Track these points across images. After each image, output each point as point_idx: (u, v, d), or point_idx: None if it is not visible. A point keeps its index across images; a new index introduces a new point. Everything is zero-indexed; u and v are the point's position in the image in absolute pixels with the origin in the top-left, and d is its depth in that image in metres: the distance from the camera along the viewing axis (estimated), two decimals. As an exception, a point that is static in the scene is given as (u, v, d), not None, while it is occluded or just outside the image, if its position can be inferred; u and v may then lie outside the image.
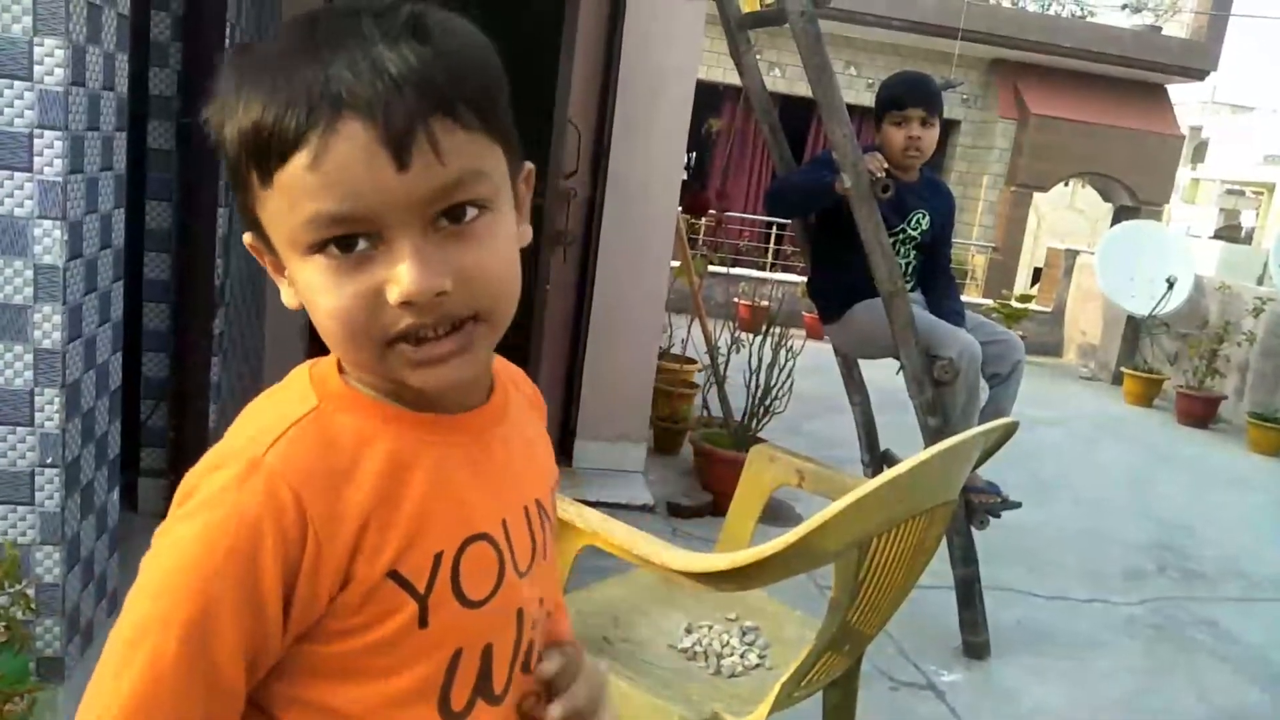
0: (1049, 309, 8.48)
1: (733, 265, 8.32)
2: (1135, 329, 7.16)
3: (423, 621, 0.64)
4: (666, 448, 4.12)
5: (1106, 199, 12.90)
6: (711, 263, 4.95)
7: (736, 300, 7.33)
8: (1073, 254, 8.49)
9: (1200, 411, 6.15)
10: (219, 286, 2.67)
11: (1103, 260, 7.16)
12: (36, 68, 1.56)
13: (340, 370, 0.67)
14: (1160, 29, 12.12)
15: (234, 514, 0.59)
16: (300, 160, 0.57)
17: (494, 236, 0.62)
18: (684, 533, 3.32)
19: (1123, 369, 6.94)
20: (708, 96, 11.13)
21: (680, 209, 4.08)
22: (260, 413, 0.65)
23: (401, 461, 0.64)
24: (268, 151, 0.58)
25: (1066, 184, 13.22)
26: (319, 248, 0.59)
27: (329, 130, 0.56)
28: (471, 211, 0.61)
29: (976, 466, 1.60)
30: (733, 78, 11.11)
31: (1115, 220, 11.67)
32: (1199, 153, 26.25)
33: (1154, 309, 6.66)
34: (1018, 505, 2.79)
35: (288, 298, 0.66)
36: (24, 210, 1.58)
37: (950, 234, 2.95)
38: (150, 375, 2.66)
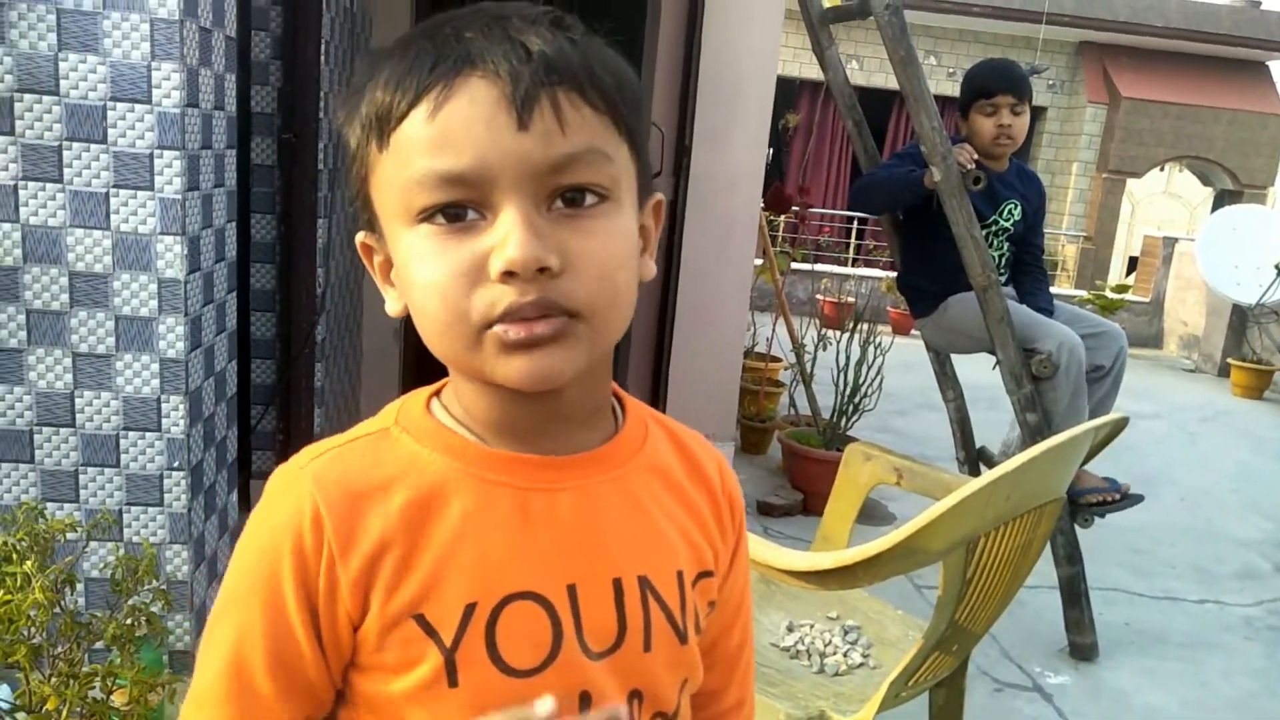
0: (1146, 299, 8.17)
1: (814, 261, 8.25)
2: (1242, 318, 6.84)
3: (452, 680, 0.58)
4: (754, 447, 4.11)
5: (1205, 183, 12.36)
6: (793, 259, 4.91)
7: (819, 297, 7.26)
8: (1171, 241, 8.15)
9: (1315, 403, 5.85)
10: (320, 295, 2.77)
11: (1205, 247, 6.86)
12: (155, 91, 1.65)
13: (428, 405, 0.65)
14: (1259, 3, 11.55)
15: (265, 521, 0.60)
16: (419, 114, 0.55)
17: (610, 231, 0.57)
18: (774, 531, 3.30)
19: (1229, 360, 6.64)
20: (784, 92, 11.06)
21: (762, 206, 4.07)
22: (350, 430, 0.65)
23: (440, 493, 0.60)
24: (389, 112, 0.56)
25: (1162, 169, 12.70)
26: (426, 216, 0.56)
27: (450, 85, 0.54)
28: (590, 198, 0.57)
29: (1084, 463, 1.56)
30: (809, 72, 11.00)
31: (1216, 205, 11.17)
32: (1305, 131, 24.88)
33: (1262, 297, 6.35)
34: (1140, 499, 2.69)
35: (391, 303, 0.63)
36: (147, 227, 1.67)
37: (1042, 223, 2.88)
38: (258, 381, 2.78)
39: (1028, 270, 2.81)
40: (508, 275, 0.54)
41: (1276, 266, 6.33)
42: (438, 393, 0.66)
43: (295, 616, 0.58)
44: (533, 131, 0.54)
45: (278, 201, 2.74)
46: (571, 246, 0.56)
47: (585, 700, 0.61)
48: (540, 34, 0.55)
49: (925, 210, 2.63)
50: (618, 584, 0.63)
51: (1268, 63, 11.72)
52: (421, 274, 0.57)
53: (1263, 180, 11.69)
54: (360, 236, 0.64)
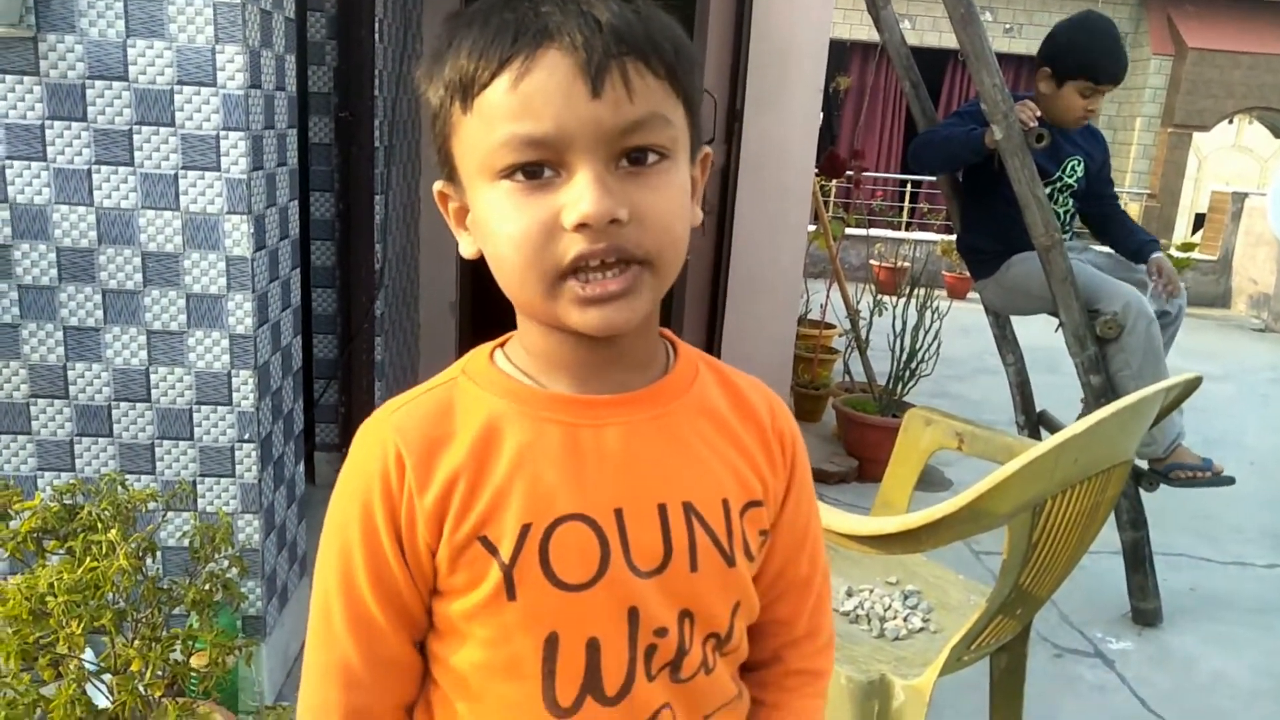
0: (1214, 258, 7.92)
1: (868, 226, 8.14)
2: (1315, 275, 6.60)
3: (510, 594, 0.65)
4: (808, 414, 4.09)
5: (1277, 135, 11.87)
6: (847, 224, 4.85)
7: (873, 262, 7.17)
8: (1240, 197, 7.87)
9: (1394, 362, 5.64)
10: (379, 270, 2.81)
11: (1276, 201, 6.62)
12: (219, 74, 1.68)
13: (492, 355, 0.72)
14: (1338, -57, 10.99)
15: (356, 467, 0.69)
16: (502, 83, 0.60)
17: (670, 186, 0.64)
18: (830, 498, 3.30)
19: (1301, 319, 6.42)
20: (836, 54, 10.84)
21: (816, 171, 4.02)
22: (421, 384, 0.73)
23: (498, 430, 0.67)
24: (473, 79, 0.61)
25: (1230, 121, 12.22)
26: (507, 173, 0.62)
27: (531, 57, 0.60)
28: (653, 157, 0.63)
29: (1154, 424, 1.53)
30: (860, 34, 10.78)
31: (1288, 158, 10.74)
32: (1385, 77, 23.71)
33: (1337, 252, 6.12)
34: (1231, 480, 2.62)
35: (466, 246, 0.69)
36: (215, 207, 1.72)
37: (1109, 175, 2.82)
38: (320, 356, 2.84)
39: (1113, 218, 2.77)
40: (581, 227, 0.60)
41: (1354, 221, 6.08)
42: (501, 345, 0.73)
43: (388, 545, 0.67)
44: (604, 99, 0.60)
45: (336, 179, 2.79)
46: (637, 200, 0.62)
47: (634, 616, 0.67)
48: (609, 6, 0.61)
49: (986, 169, 2.58)
50: (662, 509, 0.69)
51: (1345, 7, 11.17)
52: (503, 227, 0.63)
53: (1339, 131, 11.19)
54: (438, 185, 0.70)
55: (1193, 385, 1.46)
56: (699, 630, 0.70)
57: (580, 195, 0.60)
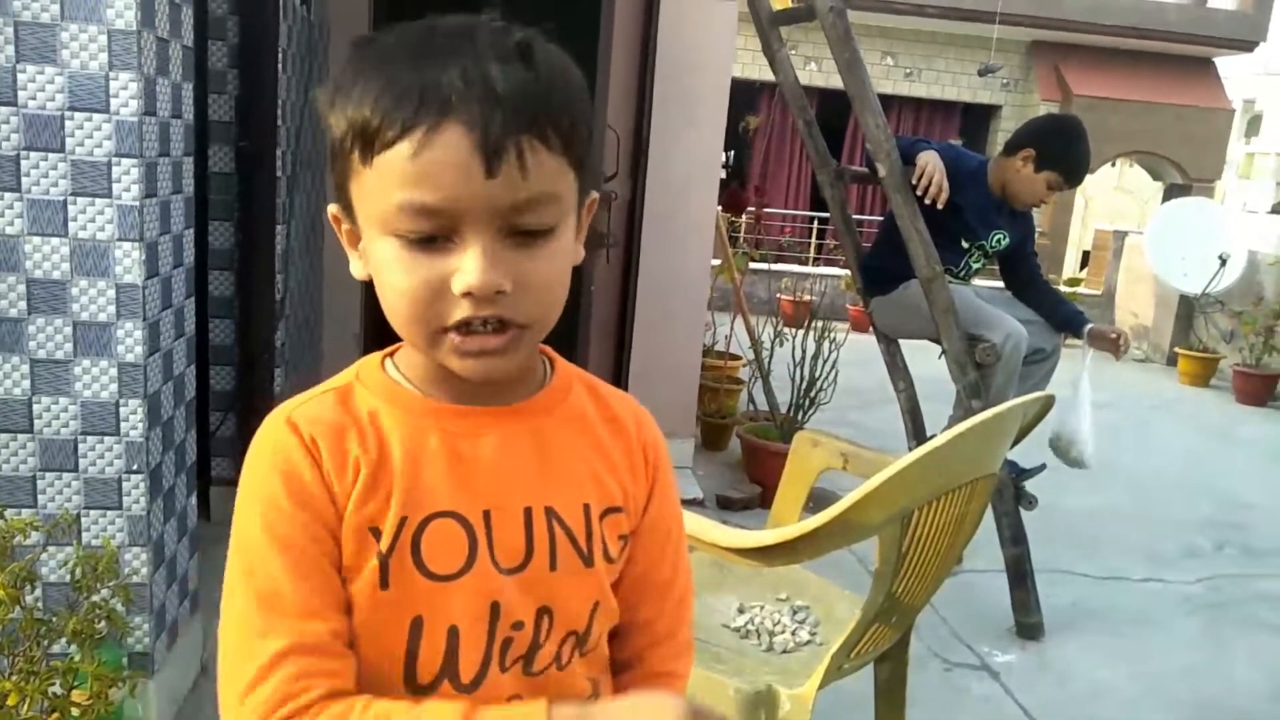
0: (1099, 292, 8.37)
1: (776, 261, 8.35)
2: (1189, 309, 7.04)
3: (384, 583, 0.70)
4: (714, 443, 4.17)
5: (1156, 178, 12.66)
6: (753, 259, 4.99)
7: (779, 296, 7.35)
8: (1121, 235, 8.35)
9: (1258, 389, 6.04)
10: (280, 300, 2.79)
11: (1152, 240, 7.05)
12: (113, 100, 1.68)
13: (383, 363, 0.77)
14: (1205, 1, 11.86)
15: (270, 440, 0.71)
16: (403, 150, 0.64)
17: (554, 256, 0.69)
18: (734, 524, 3.32)
19: (1177, 349, 6.83)
20: (744, 94, 11.16)
21: (719, 207, 4.14)
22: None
23: (387, 434, 0.72)
24: (375, 136, 0.65)
25: (1113, 164, 13.00)
26: (401, 236, 0.66)
27: (432, 130, 0.63)
28: (541, 233, 0.68)
29: (1016, 442, 1.64)
30: (768, 74, 11.05)
31: (1166, 199, 11.45)
32: (1253, 126, 25.52)
33: (1207, 287, 6.54)
34: (1041, 468, 2.90)
35: (357, 269, 0.74)
36: (105, 234, 1.70)
37: (1032, 249, 3.10)
38: (218, 388, 2.79)
39: (1041, 290, 3.02)
40: (467, 295, 0.66)
41: (1220, 257, 6.52)
42: (391, 354, 0.78)
43: (315, 487, 0.69)
44: (499, 179, 0.64)
45: (236, 208, 2.77)
46: (524, 270, 0.67)
47: (495, 609, 0.72)
48: (507, 70, 0.64)
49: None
50: (527, 512, 0.74)
51: (1214, 59, 12.04)
52: (393, 280, 0.68)
53: (1210, 174, 12.01)
54: (332, 209, 0.74)
55: (1048, 404, 1.57)
56: (558, 627, 0.75)
57: (469, 267, 0.65)
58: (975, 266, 2.94)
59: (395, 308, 0.69)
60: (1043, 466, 2.93)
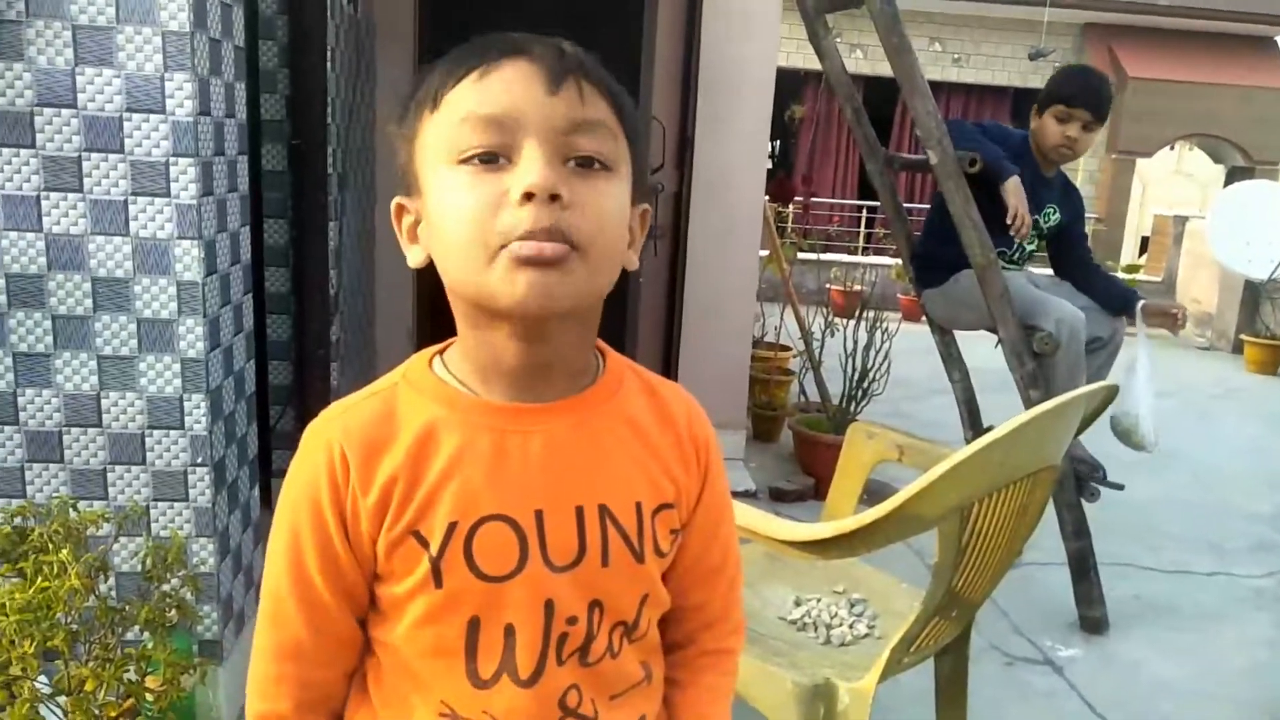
0: (1159, 279, 8.16)
1: (824, 251, 8.27)
2: (1254, 294, 6.83)
3: (438, 582, 0.72)
4: (765, 435, 4.15)
5: (1217, 161, 12.28)
6: (801, 249, 4.95)
7: (829, 286, 7.28)
8: (1182, 220, 8.13)
9: (1329, 377, 5.84)
10: (334, 296, 2.83)
11: (1216, 225, 6.84)
12: (168, 101, 1.71)
13: (430, 362, 0.78)
14: (1267, -23, 11.46)
15: (305, 462, 0.75)
16: (469, 79, 0.68)
17: (609, 194, 0.70)
18: (786, 517, 3.32)
19: (1243, 337, 6.63)
20: (789, 83, 11.06)
21: (766, 197, 4.10)
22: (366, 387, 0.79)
23: (435, 436, 0.73)
24: (445, 83, 0.69)
25: (1172, 148, 12.63)
26: (465, 158, 0.68)
27: (498, 60, 0.68)
28: (597, 165, 0.70)
29: (1080, 432, 1.60)
30: (814, 63, 10.98)
31: (1228, 182, 11.10)
32: (1319, 105, 24.59)
33: (1273, 272, 6.33)
34: (1120, 487, 2.81)
35: (413, 257, 0.75)
36: (165, 233, 1.73)
37: (1083, 229, 3.02)
38: (276, 382, 2.84)
39: (1093, 272, 2.92)
40: (527, 198, 0.66)
41: (1287, 241, 6.31)
42: (440, 352, 0.79)
43: (335, 534, 0.73)
44: (560, 97, 0.68)
45: (289, 206, 2.81)
46: (579, 191, 0.68)
47: (549, 607, 0.74)
48: (567, 44, 0.71)
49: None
50: (579, 510, 0.75)
51: (1275, 37, 11.63)
52: (455, 200, 0.68)
53: (1274, 155, 11.61)
54: (396, 199, 0.76)
55: (1112, 393, 1.53)
56: (607, 619, 0.77)
57: (528, 170, 0.66)
58: (1029, 249, 2.85)
59: (453, 232, 0.68)
60: (1121, 487, 2.84)
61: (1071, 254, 2.95)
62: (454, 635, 0.73)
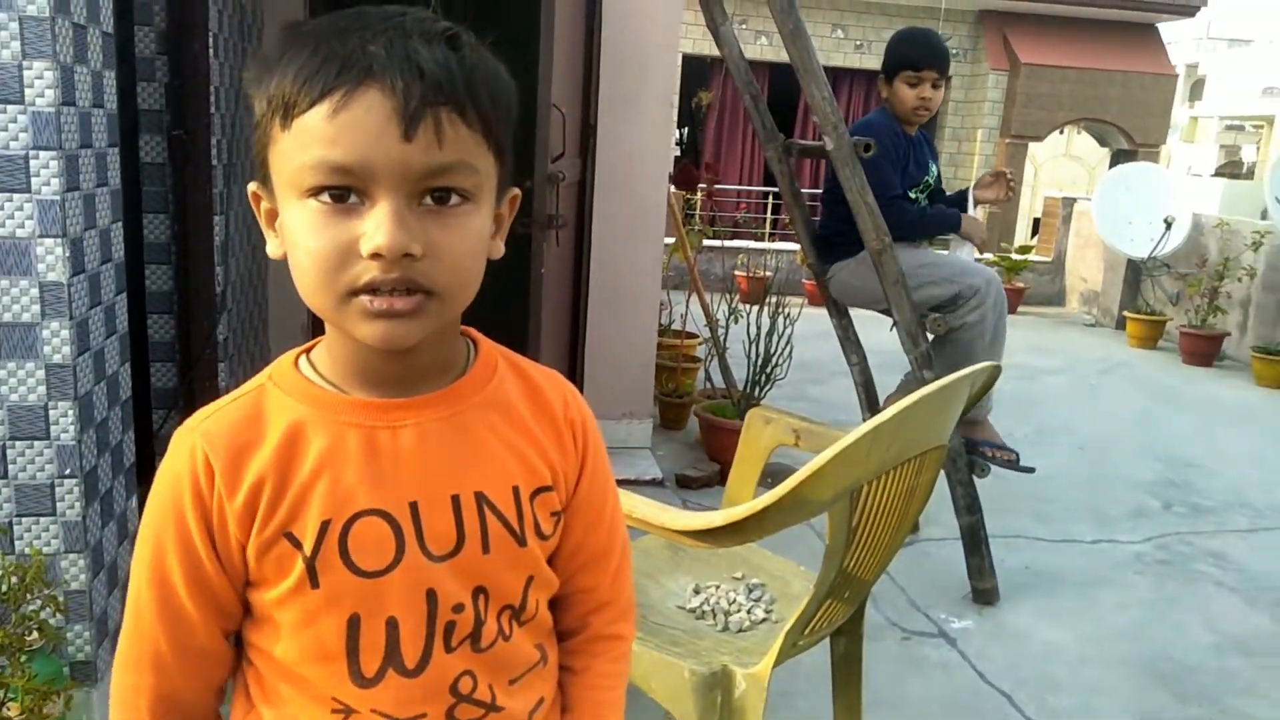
0: (1049, 259, 8.48)
1: (732, 238, 8.34)
2: (1136, 272, 7.16)
3: (313, 582, 0.72)
4: (673, 422, 4.17)
5: (1103, 144, 12.84)
6: (707, 236, 4.97)
7: (736, 272, 7.35)
8: (1070, 201, 8.47)
9: (1204, 350, 6.17)
10: (220, 294, 2.72)
11: (1099, 205, 7.15)
12: (28, 90, 1.61)
13: (297, 361, 0.78)
14: (1147, -32, 12.00)
15: (168, 470, 0.73)
16: (321, 110, 0.64)
17: (467, 228, 0.69)
18: (694, 503, 3.37)
19: (1125, 313, 6.95)
20: (697, 70, 11.11)
21: (671, 186, 4.11)
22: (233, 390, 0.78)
23: (303, 435, 0.73)
24: (295, 100, 0.65)
25: (1061, 132, 13.15)
26: (315, 192, 0.66)
27: (351, 93, 0.64)
28: (455, 198, 0.68)
29: (965, 411, 1.64)
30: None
31: (1113, 165, 11.61)
32: (1197, 90, 25.94)
33: (1153, 251, 6.66)
34: (1031, 470, 2.97)
35: (273, 248, 0.74)
36: (25, 230, 1.64)
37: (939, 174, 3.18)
38: (160, 385, 2.72)
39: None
40: (375, 256, 0.66)
41: (1166, 221, 6.63)
42: (307, 351, 0.78)
43: (200, 544, 0.72)
44: (415, 144, 0.65)
45: (171, 200, 2.68)
46: (434, 237, 0.67)
47: (432, 597, 0.74)
48: (435, 53, 0.66)
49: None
50: (455, 499, 0.75)
51: (1157, 25, 12.20)
52: (304, 242, 0.67)
53: (1155, 139, 12.19)
54: (252, 186, 0.74)
55: (995, 374, 1.58)
56: (494, 604, 0.78)
57: (377, 227, 0.65)
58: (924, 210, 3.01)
59: (304, 271, 0.68)
60: (1032, 470, 3.03)
61: (939, 198, 3.11)
62: (334, 635, 0.73)
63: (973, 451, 2.85)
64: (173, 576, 0.72)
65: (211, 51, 2.68)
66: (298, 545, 0.71)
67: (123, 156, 2.02)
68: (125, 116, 2.32)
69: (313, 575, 0.71)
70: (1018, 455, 2.96)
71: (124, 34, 2.46)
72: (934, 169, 3.02)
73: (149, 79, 2.63)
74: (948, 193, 3.15)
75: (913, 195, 2.95)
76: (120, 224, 1.95)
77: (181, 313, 2.66)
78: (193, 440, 0.72)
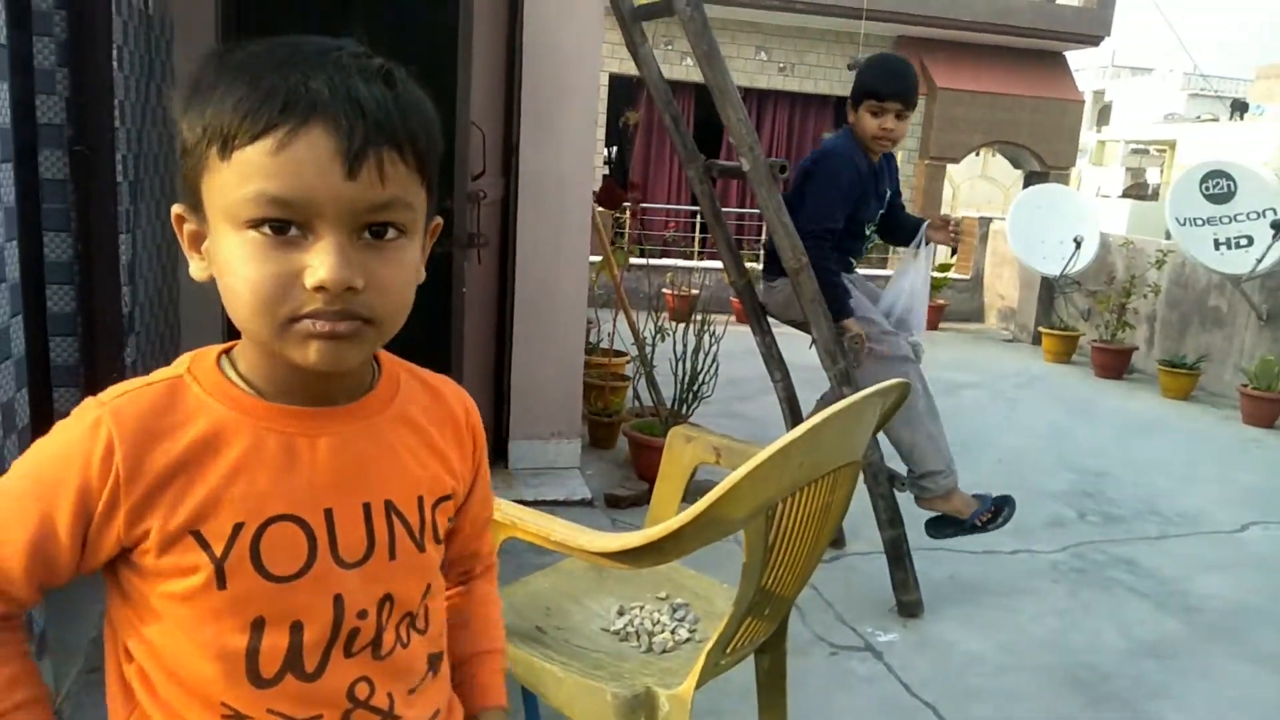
0: (968, 277, 8.72)
1: (661, 256, 8.39)
2: (1049, 289, 7.40)
3: (220, 584, 0.72)
4: (602, 441, 4.15)
5: (1016, 166, 13.30)
6: (634, 255, 4.99)
7: (664, 291, 7.39)
8: (986, 221, 8.73)
9: (1114, 363, 6.40)
10: (128, 315, 2.63)
11: (1013, 225, 7.37)
12: (-92, 104, 1.53)
13: (218, 360, 0.77)
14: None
15: (63, 438, 0.72)
16: (265, 145, 0.66)
17: (404, 261, 0.73)
18: (623, 523, 3.36)
19: (1040, 329, 7.18)
20: (625, 90, 11.19)
21: (596, 205, 4.11)
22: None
23: (221, 436, 0.73)
24: (236, 132, 0.66)
25: (977, 154, 13.60)
26: (254, 224, 0.67)
27: (296, 130, 0.65)
28: (392, 233, 0.71)
29: (877, 430, 1.67)
30: (646, 71, 11.18)
31: (1026, 186, 12.04)
32: (1104, 115, 27.11)
33: (1064, 268, 6.89)
34: (1012, 509, 2.99)
35: (197, 270, 0.75)
36: (-93, 250, 1.55)
37: (899, 186, 3.18)
38: (63, 410, 2.60)
39: (903, 221, 3.14)
40: (320, 289, 0.68)
41: (1075, 240, 6.87)
42: (227, 351, 0.78)
43: (65, 519, 0.70)
44: (358, 182, 0.67)
45: (73, 217, 2.58)
46: (374, 270, 0.70)
47: (339, 603, 0.76)
48: (374, 91, 0.68)
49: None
50: (367, 508, 0.78)
51: (1064, 54, 12.72)
52: (243, 271, 0.68)
53: (1065, 162, 12.70)
54: (177, 209, 0.75)
55: (904, 391, 1.60)
56: (397, 611, 0.80)
57: (322, 262, 0.67)
58: (871, 240, 3.03)
59: (241, 298, 0.69)
60: (1013, 507, 3.03)
61: (895, 217, 3.12)
62: (236, 636, 0.73)
63: (972, 531, 2.91)
64: (14, 534, 0.70)
65: (115, 64, 2.59)
66: (205, 545, 0.71)
67: (20, 172, 1.93)
68: (23, 130, 2.23)
69: (221, 577, 0.72)
70: (1000, 503, 2.96)
71: (22, 44, 2.37)
72: (887, 194, 3.03)
73: (49, 91, 2.53)
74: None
75: (868, 231, 2.98)
76: (15, 242, 1.86)
77: (86, 335, 2.55)
78: (99, 415, 0.71)
